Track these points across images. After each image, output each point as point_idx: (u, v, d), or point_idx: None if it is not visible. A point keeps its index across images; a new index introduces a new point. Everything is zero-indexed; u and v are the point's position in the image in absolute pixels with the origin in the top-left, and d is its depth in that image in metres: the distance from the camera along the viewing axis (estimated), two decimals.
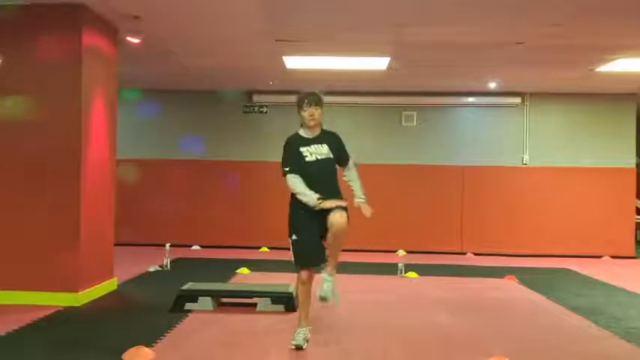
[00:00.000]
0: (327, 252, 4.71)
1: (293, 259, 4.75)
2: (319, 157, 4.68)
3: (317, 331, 5.01)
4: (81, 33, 6.15)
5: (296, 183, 4.62)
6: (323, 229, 4.60)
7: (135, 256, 9.42)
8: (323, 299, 4.70)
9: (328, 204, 4.49)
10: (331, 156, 4.72)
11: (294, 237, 4.70)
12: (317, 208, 4.50)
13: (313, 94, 4.76)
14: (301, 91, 4.83)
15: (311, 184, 4.61)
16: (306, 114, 4.70)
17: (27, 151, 6.17)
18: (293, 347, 4.60)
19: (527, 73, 9.56)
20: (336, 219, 4.48)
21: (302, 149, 4.69)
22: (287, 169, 4.68)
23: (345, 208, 4.58)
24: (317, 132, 4.77)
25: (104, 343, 4.75)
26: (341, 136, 4.88)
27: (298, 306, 4.93)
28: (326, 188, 4.61)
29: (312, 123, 4.72)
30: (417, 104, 11.43)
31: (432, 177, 11.36)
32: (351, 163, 4.90)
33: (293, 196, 4.70)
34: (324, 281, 4.71)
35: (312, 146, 4.70)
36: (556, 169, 11.30)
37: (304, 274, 4.70)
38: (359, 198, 4.76)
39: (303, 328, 4.73)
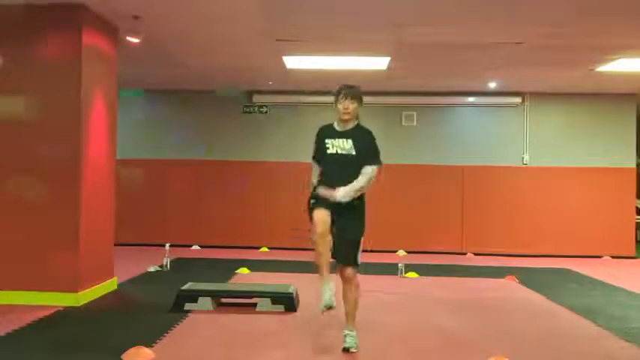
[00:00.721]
0: (344, 305, 4.72)
1: (309, 214, 4.58)
2: (339, 152, 4.62)
3: (317, 331, 5.01)
4: (81, 33, 6.15)
5: (313, 172, 4.83)
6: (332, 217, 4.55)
7: (135, 256, 9.43)
8: (346, 350, 4.61)
9: (325, 193, 4.51)
10: (353, 153, 4.59)
11: (313, 201, 4.62)
12: (315, 192, 4.61)
13: (351, 87, 4.72)
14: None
15: (328, 177, 4.63)
16: (340, 107, 4.64)
17: (27, 151, 6.17)
18: (324, 309, 4.42)
19: (527, 73, 9.56)
20: (347, 274, 4.63)
21: (327, 140, 4.68)
22: (313, 156, 4.82)
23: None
24: (349, 126, 4.69)
25: (104, 343, 4.76)
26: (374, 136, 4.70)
27: (316, 259, 4.55)
28: (342, 184, 4.53)
29: (346, 117, 4.66)
30: (417, 104, 11.43)
31: (432, 177, 11.36)
32: (371, 169, 4.56)
33: (313, 187, 4.75)
34: (346, 336, 4.65)
35: (337, 139, 4.65)
36: (556, 169, 11.30)
37: (318, 216, 4.43)
38: (348, 187, 4.48)
39: (327, 285, 4.46)
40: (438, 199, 11.34)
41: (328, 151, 4.66)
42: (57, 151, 6.15)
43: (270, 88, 11.03)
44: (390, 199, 11.12)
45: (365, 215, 4.73)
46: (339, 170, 4.59)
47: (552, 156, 11.33)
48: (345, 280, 4.68)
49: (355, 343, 4.64)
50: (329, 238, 4.54)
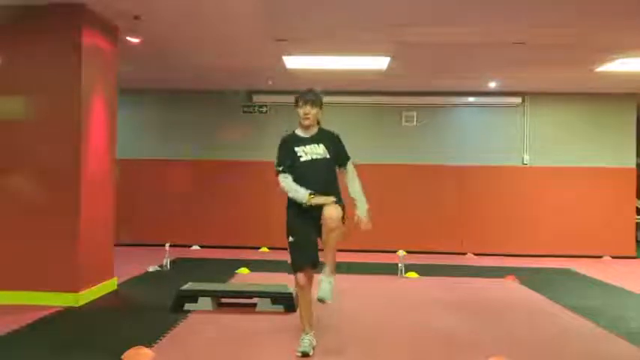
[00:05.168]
0: (323, 251, 4.58)
1: (290, 261, 4.65)
2: (314, 157, 4.59)
3: (317, 331, 5.00)
4: (81, 33, 6.16)
5: (287, 182, 4.60)
6: (319, 231, 4.50)
7: (135, 256, 9.42)
8: (321, 300, 4.51)
9: (321, 200, 4.44)
10: (328, 156, 4.61)
11: (290, 239, 4.63)
12: (307, 204, 4.46)
13: (310, 92, 4.68)
14: (300, 90, 4.74)
15: (307, 185, 4.53)
16: (301, 112, 4.63)
17: (27, 150, 6.17)
18: (299, 355, 4.48)
19: (527, 73, 9.56)
20: (330, 213, 4.39)
21: (297, 148, 4.62)
22: (280, 168, 4.64)
23: (340, 205, 4.55)
24: (314, 131, 4.68)
25: (104, 343, 4.75)
26: (341, 135, 4.77)
27: (300, 312, 4.76)
28: (322, 189, 4.51)
29: (306, 122, 4.64)
30: (417, 104, 11.43)
31: (432, 177, 11.35)
32: (349, 166, 4.73)
33: (289, 197, 4.64)
34: (322, 282, 4.54)
35: (307, 146, 4.62)
36: (556, 169, 11.30)
37: (301, 277, 4.57)
38: (359, 211, 4.61)
39: (308, 335, 4.61)
40: (438, 199, 11.34)
41: (302, 159, 4.60)
42: (57, 151, 6.15)
43: (270, 88, 11.03)
44: (389, 199, 11.13)
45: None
46: (315, 176, 4.56)
47: (552, 156, 11.33)
48: (329, 229, 4.46)
49: (329, 290, 4.50)
50: (311, 295, 4.63)
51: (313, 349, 4.60)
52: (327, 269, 4.57)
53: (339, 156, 4.71)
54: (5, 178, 6.19)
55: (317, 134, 4.68)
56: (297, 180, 4.60)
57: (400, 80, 10.10)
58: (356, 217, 4.62)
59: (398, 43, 7.52)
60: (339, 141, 4.76)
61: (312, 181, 4.55)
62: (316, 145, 4.63)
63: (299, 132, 4.72)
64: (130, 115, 11.13)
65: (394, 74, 9.38)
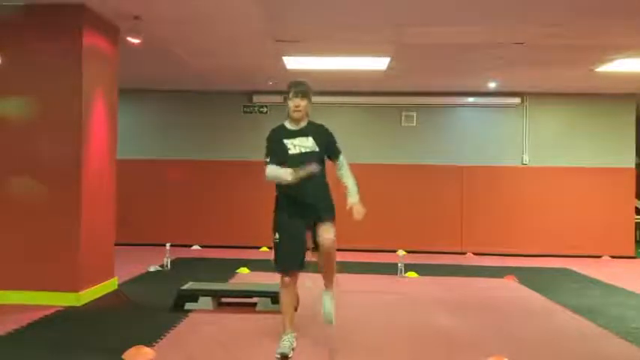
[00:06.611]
0: (323, 272, 4.61)
1: (274, 260, 4.61)
2: (303, 151, 4.49)
3: (317, 331, 5.01)
4: (81, 33, 6.16)
5: (270, 168, 4.49)
6: (307, 225, 4.48)
7: (135, 256, 9.43)
8: (328, 322, 4.52)
9: (303, 172, 4.32)
10: (317, 149, 4.50)
11: (276, 236, 4.58)
12: (295, 179, 4.33)
13: (300, 83, 4.58)
14: (290, 81, 4.62)
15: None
16: (291, 104, 4.52)
17: (27, 151, 6.18)
18: (278, 356, 4.41)
19: (527, 73, 9.56)
20: (327, 234, 4.41)
21: (286, 141, 4.51)
22: (267, 159, 4.53)
23: (332, 215, 4.53)
24: (303, 124, 4.57)
25: (104, 343, 4.76)
26: (335, 133, 4.67)
27: (281, 310, 4.69)
28: (310, 183, 4.42)
29: (296, 115, 4.53)
30: (417, 104, 11.44)
31: (432, 177, 11.37)
32: (342, 158, 4.64)
33: (277, 193, 4.60)
34: (325, 301, 4.57)
35: (296, 139, 4.51)
36: (556, 169, 11.31)
37: (285, 278, 4.55)
38: (352, 198, 4.51)
39: (288, 335, 4.56)
40: (438, 199, 11.35)
41: (290, 152, 4.49)
42: (57, 151, 6.16)
43: (270, 88, 11.04)
44: (390, 199, 11.14)
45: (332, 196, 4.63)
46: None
47: (552, 156, 11.34)
48: (326, 254, 4.51)
49: (332, 310, 4.57)
50: (295, 290, 4.59)
51: (293, 350, 4.52)
52: (327, 288, 4.61)
53: (329, 149, 4.60)
54: (6, 178, 6.20)
55: (306, 127, 4.58)
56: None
57: (400, 80, 10.10)
58: (349, 205, 4.48)
59: (398, 44, 7.53)
60: (330, 134, 4.64)
61: None
62: (305, 138, 4.53)
63: (287, 124, 4.61)
64: (131, 115, 11.12)
65: (394, 74, 9.39)
